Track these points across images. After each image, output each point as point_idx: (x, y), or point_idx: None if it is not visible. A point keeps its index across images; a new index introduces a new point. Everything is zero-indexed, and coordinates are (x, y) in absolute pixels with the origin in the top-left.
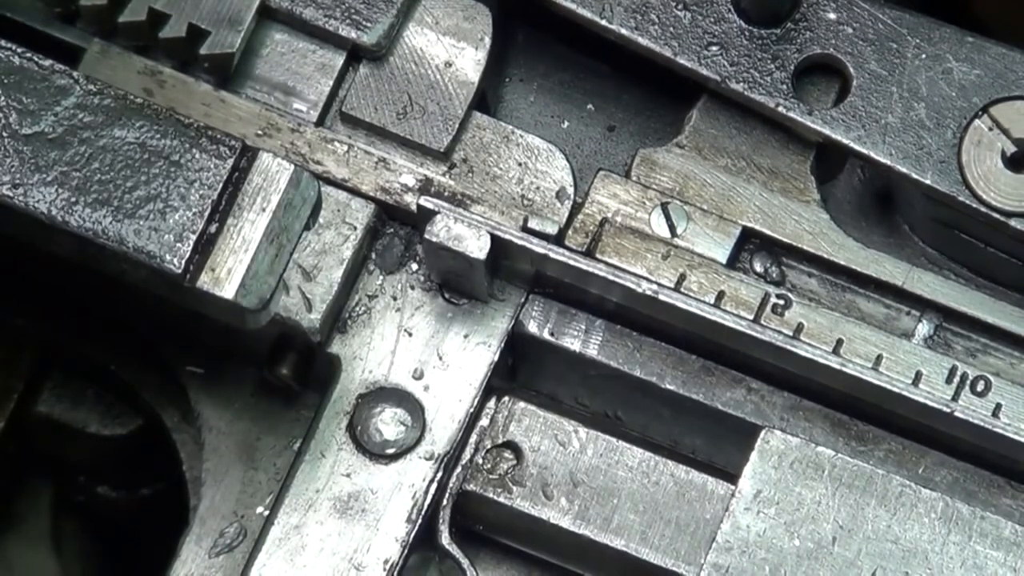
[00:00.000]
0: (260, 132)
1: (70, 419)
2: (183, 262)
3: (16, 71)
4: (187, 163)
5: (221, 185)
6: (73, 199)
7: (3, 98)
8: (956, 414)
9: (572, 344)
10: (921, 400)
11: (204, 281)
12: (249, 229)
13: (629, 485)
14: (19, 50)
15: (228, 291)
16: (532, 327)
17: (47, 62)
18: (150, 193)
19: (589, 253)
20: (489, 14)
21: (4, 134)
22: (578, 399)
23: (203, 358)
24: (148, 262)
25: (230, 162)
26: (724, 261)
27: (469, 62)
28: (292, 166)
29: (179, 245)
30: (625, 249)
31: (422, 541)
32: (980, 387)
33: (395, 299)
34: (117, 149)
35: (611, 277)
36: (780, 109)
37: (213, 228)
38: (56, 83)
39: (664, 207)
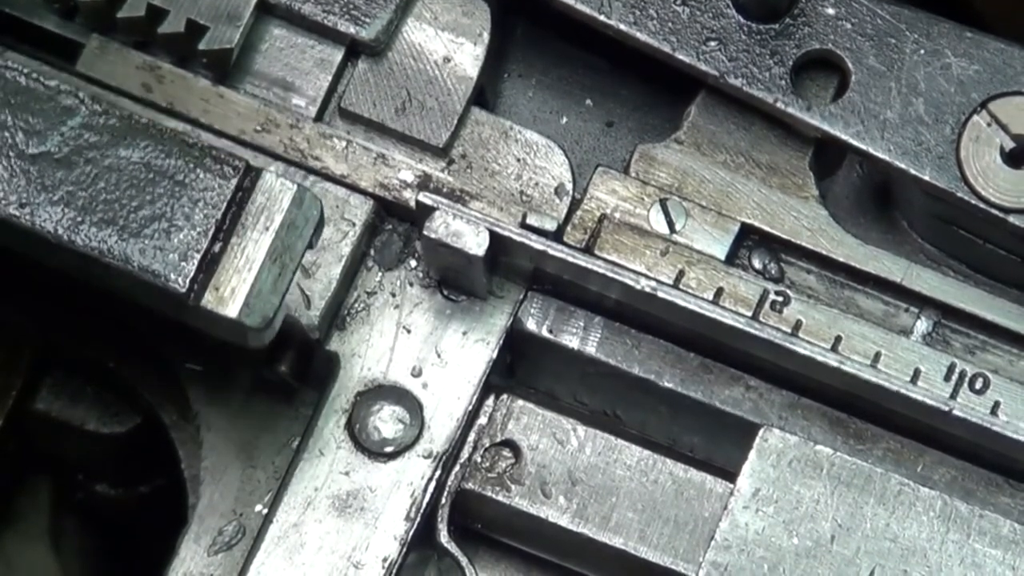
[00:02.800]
0: (259, 128)
1: (69, 417)
2: (187, 281)
3: (23, 91)
4: (191, 183)
5: (225, 205)
6: (79, 218)
7: (10, 118)
8: (955, 412)
9: (571, 341)
10: (919, 398)
11: (208, 300)
12: (252, 248)
13: (627, 483)
14: (25, 70)
15: (232, 310)
16: (531, 324)
17: (53, 82)
18: (155, 213)
19: (588, 250)
20: (488, 9)
21: (11, 154)
22: (576, 397)
23: (202, 356)
24: (153, 281)
25: (234, 182)
26: (723, 257)
27: (468, 58)
28: (295, 186)
29: (184, 264)
30: (624, 245)
31: (421, 539)
32: (979, 384)
33: (394, 296)
34: (122, 169)
35: (610, 274)
36: (779, 105)
37: (217, 247)
38: (62, 103)
39: (663, 203)
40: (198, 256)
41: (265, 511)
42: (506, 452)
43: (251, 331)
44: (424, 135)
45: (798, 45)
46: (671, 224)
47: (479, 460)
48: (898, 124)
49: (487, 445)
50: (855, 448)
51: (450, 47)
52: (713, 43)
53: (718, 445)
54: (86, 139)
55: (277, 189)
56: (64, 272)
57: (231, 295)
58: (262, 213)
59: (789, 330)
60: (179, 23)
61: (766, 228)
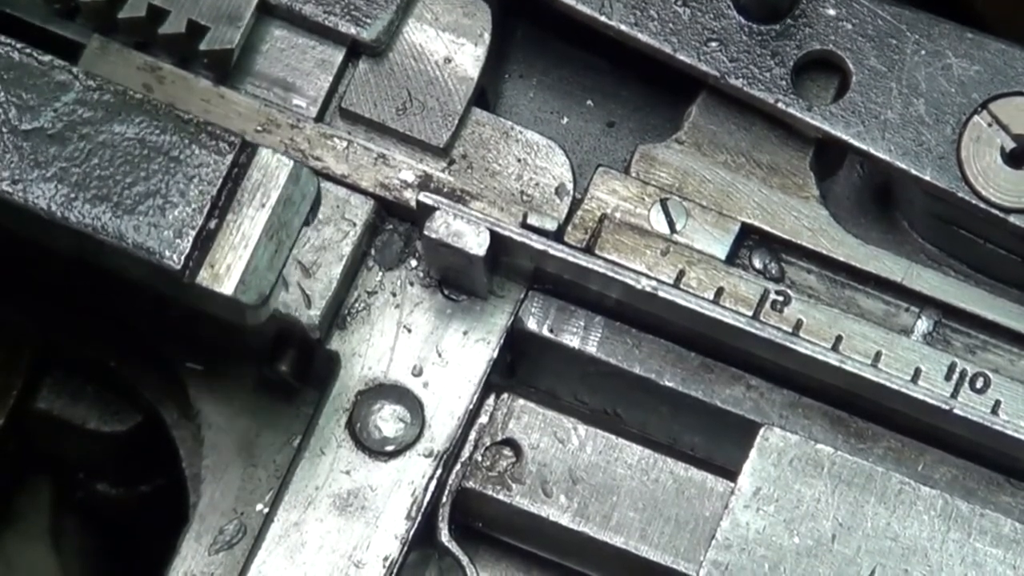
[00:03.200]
0: (259, 128)
1: (69, 415)
2: (183, 258)
3: (16, 67)
4: (186, 159)
5: (220, 181)
6: (73, 195)
7: (3, 94)
8: (955, 411)
9: (571, 341)
10: (920, 397)
11: (204, 277)
12: (248, 225)
13: (628, 482)
14: (19, 46)
15: (227, 287)
16: (531, 324)
17: (47, 58)
18: (150, 189)
19: (588, 249)
20: (488, 10)
21: (4, 130)
22: (577, 396)
23: (203, 355)
24: (148, 258)
25: (229, 158)
26: (723, 257)
27: (468, 58)
28: (291, 162)
29: (179, 241)
30: (624, 245)
31: (421, 538)
32: (979, 384)
33: (394, 295)
34: (116, 145)
35: (610, 273)
36: (779, 105)
37: (212, 224)
38: (56, 79)
39: (663, 203)
40: (193, 233)
41: (266, 510)
42: (507, 451)
43: (248, 308)
44: (425, 135)
45: (799, 46)
46: (672, 224)
47: (480, 459)
48: (899, 124)
49: (488, 444)
50: (856, 447)
51: (451, 48)
52: (714, 44)
53: (719, 444)
54: (80, 115)
55: (273, 165)
56: (61, 262)
57: (227, 272)
58: (258, 189)
59: (790, 330)
60: (180, 24)
61: (767, 228)
